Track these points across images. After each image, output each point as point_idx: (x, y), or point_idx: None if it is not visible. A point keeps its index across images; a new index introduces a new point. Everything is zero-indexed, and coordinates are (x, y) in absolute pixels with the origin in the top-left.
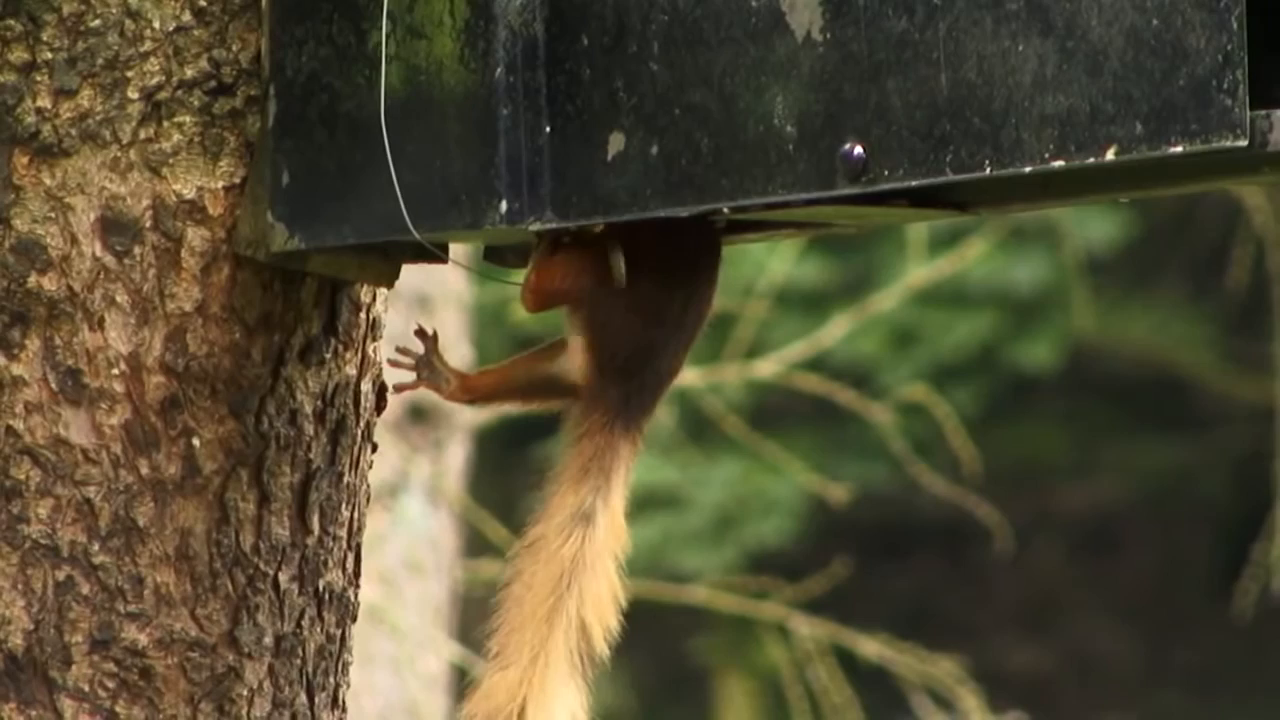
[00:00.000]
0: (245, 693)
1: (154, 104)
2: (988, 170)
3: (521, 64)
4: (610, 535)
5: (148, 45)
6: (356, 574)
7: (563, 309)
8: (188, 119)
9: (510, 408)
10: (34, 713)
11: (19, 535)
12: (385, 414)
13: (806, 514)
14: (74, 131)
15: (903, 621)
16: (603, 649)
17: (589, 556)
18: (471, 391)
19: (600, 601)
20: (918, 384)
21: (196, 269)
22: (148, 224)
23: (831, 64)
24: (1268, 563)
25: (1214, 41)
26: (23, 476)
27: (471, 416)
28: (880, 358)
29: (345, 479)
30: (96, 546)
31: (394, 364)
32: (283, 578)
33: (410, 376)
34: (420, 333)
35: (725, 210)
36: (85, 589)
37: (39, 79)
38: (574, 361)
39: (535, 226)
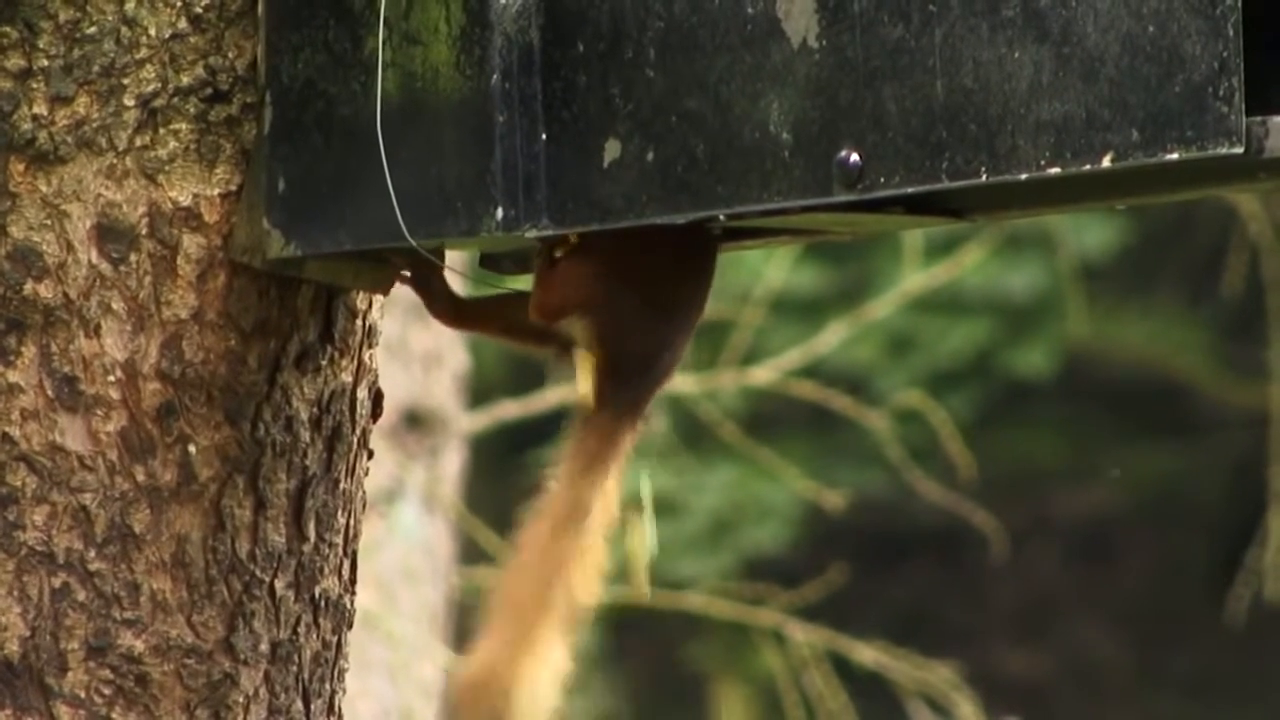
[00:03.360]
0: (241, 699)
1: (150, 111)
2: (984, 177)
3: (517, 71)
4: (602, 515)
5: (144, 52)
6: (352, 581)
7: (571, 317)
8: (184, 126)
9: (493, 339)
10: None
11: (15, 542)
12: (381, 421)
13: (802, 520)
14: (70, 138)
15: (899, 628)
16: (583, 613)
17: (583, 545)
18: (460, 317)
19: (588, 578)
20: (914, 390)
21: (193, 276)
22: (144, 231)
23: (827, 71)
24: (1261, 568)
25: (1210, 48)
26: (19, 483)
27: (468, 424)
28: (876, 364)
29: (341, 486)
30: (92, 553)
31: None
32: (279, 584)
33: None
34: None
35: (721, 217)
36: (81, 596)
37: (35, 86)
38: (583, 363)
39: (531, 233)
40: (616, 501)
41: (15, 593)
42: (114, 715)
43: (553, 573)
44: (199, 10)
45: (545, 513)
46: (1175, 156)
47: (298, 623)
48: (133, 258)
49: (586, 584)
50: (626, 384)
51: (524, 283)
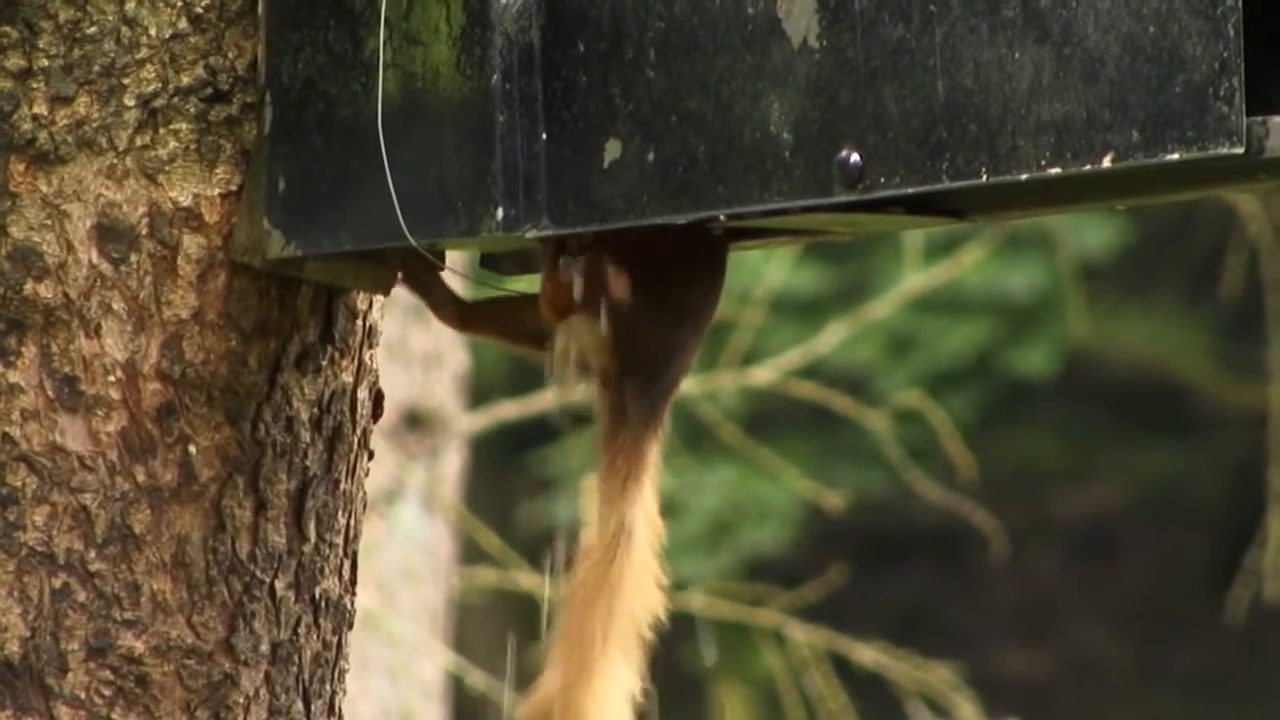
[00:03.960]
0: (241, 700)
1: (150, 111)
2: (984, 177)
3: (518, 71)
4: (650, 533)
5: (144, 52)
6: (353, 581)
7: (578, 316)
8: (184, 126)
9: (500, 344)
10: None
11: (15, 543)
12: (381, 421)
13: (802, 521)
14: (70, 138)
15: (899, 628)
16: (650, 629)
17: (636, 564)
18: (466, 321)
19: (648, 596)
20: (914, 391)
21: (193, 276)
22: (144, 231)
23: (828, 71)
24: (1260, 569)
25: (1210, 49)
26: (19, 483)
27: (468, 424)
28: (876, 364)
29: (342, 486)
30: (93, 554)
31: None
32: (279, 585)
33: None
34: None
35: (722, 217)
36: (81, 596)
37: (35, 86)
38: (597, 364)
39: (531, 234)
40: (659, 518)
41: (15, 593)
42: (114, 716)
43: (610, 602)
44: (199, 10)
45: (592, 546)
46: (1176, 157)
47: (298, 623)
48: (133, 258)
49: (647, 599)
50: (641, 390)
51: (524, 283)
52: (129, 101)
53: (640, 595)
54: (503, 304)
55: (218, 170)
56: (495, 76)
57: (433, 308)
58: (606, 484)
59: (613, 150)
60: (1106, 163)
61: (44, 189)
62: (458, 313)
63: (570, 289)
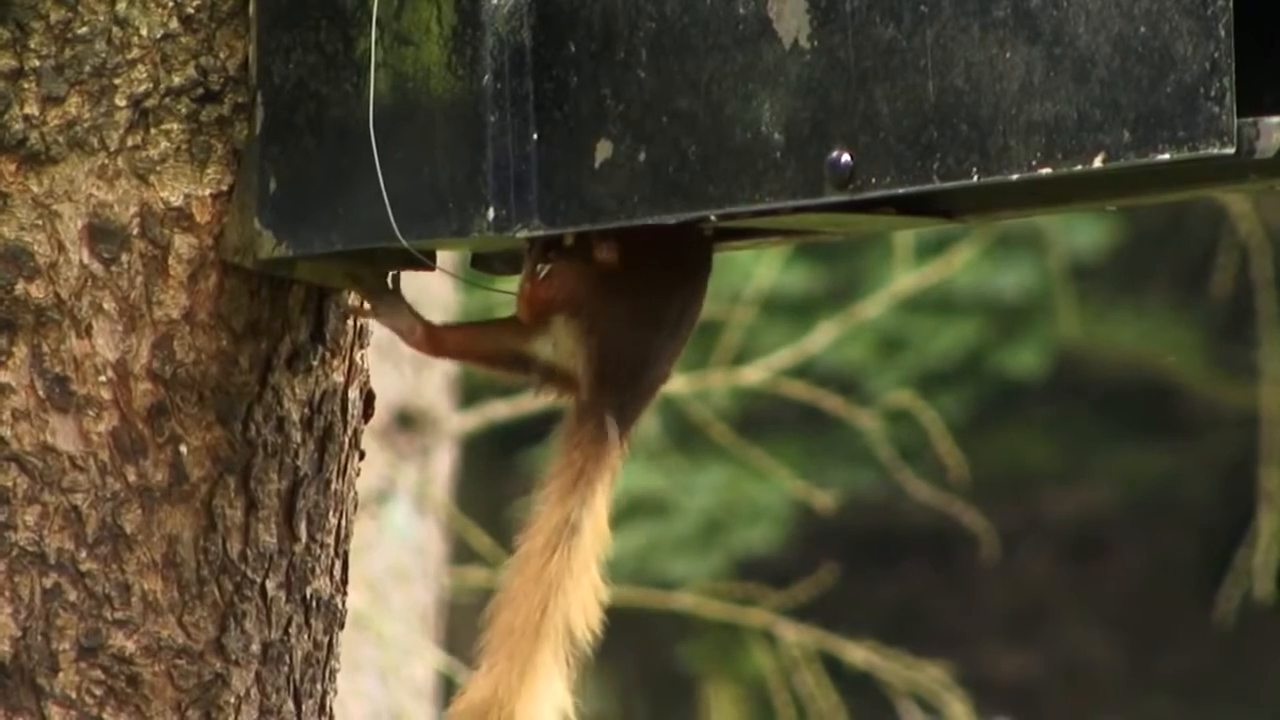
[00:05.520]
0: (232, 700)
1: (141, 111)
2: (975, 178)
3: (509, 71)
4: (594, 540)
5: (135, 52)
6: (344, 581)
7: (557, 317)
8: (175, 126)
9: (474, 368)
10: None
11: (6, 543)
12: (372, 421)
13: (793, 520)
14: (61, 139)
15: (889, 628)
16: (584, 640)
17: (575, 567)
18: (437, 345)
19: (585, 605)
20: (904, 390)
21: (184, 276)
22: (135, 231)
23: (819, 71)
24: (1250, 568)
25: (1201, 49)
26: (10, 483)
27: (459, 424)
28: (867, 364)
29: (333, 486)
30: (84, 554)
31: (352, 285)
32: (270, 585)
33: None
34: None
35: (713, 218)
36: (72, 596)
37: (26, 86)
38: (570, 368)
39: (523, 234)
40: (607, 530)
41: (6, 593)
42: (105, 715)
43: (546, 597)
44: (190, 10)
45: (534, 535)
46: (1166, 157)
47: (289, 623)
48: (124, 258)
49: (584, 606)
50: (613, 394)
51: (515, 283)
52: (120, 102)
53: (577, 595)
54: (475, 326)
55: (209, 170)
56: (486, 77)
57: (401, 335)
58: (559, 478)
59: (604, 150)
60: (1097, 163)
61: (35, 189)
62: (428, 337)
63: (550, 290)
